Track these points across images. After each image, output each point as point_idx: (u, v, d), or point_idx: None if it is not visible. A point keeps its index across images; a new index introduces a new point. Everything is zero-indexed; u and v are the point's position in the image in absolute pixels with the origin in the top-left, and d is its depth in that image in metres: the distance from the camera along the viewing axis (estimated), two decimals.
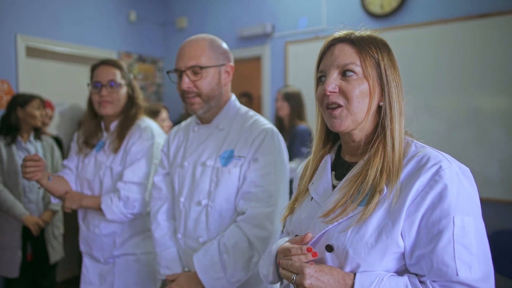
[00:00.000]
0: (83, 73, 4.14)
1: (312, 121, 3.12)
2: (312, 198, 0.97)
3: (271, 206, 1.33)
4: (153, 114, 2.97)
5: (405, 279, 0.80)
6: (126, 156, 1.74)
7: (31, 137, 2.79)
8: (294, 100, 3.18)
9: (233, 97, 1.50)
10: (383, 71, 0.89)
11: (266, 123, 1.42)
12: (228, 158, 1.37)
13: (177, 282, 1.40)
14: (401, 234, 0.80)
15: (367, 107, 0.88)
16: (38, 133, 2.83)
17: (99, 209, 1.71)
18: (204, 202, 1.39)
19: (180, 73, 1.38)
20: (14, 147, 2.68)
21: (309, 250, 0.86)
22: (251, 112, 1.48)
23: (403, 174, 0.84)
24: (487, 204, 2.89)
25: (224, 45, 1.44)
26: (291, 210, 1.03)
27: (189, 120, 1.59)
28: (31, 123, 2.72)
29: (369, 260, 0.81)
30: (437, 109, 3.15)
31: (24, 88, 3.50)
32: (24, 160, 1.62)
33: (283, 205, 1.20)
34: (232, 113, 1.45)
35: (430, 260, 0.78)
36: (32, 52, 3.63)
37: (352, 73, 0.88)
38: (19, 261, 2.68)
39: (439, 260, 0.77)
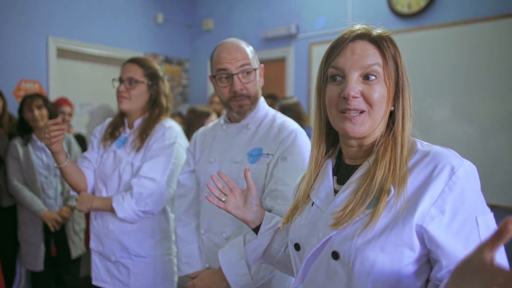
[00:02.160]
0: (111, 73, 4.24)
1: None
2: (313, 203, 0.92)
3: None
4: (204, 116, 2.96)
5: None
6: (147, 152, 1.76)
7: None
8: (291, 111, 3.07)
9: (262, 99, 1.53)
10: (400, 74, 0.85)
11: (294, 124, 1.45)
12: (256, 156, 1.40)
13: (200, 278, 1.41)
14: (419, 237, 0.76)
15: (384, 112, 0.84)
16: None
17: (110, 210, 1.72)
18: None
19: (228, 75, 1.40)
20: (30, 146, 2.77)
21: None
22: (279, 114, 1.52)
23: (413, 174, 0.79)
24: None
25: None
26: (289, 219, 0.97)
27: (216, 121, 1.62)
28: (30, 124, 2.77)
29: (378, 267, 0.76)
30: (470, 113, 3.02)
31: (55, 88, 3.63)
32: (46, 125, 1.54)
33: None
34: (261, 114, 1.48)
35: None
36: (63, 53, 3.76)
37: (374, 77, 0.83)
38: (42, 255, 2.77)
39: None
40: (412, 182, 0.78)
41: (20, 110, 2.79)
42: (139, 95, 1.80)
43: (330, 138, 0.97)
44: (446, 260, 0.74)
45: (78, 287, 3.08)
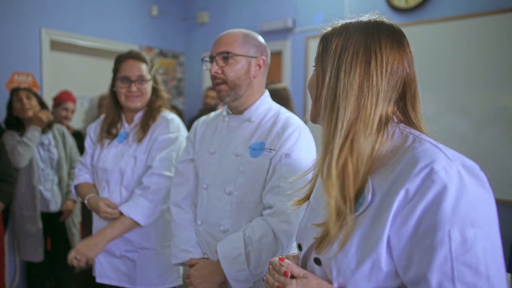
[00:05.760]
0: (105, 66, 4.19)
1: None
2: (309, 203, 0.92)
3: None
4: None
5: None
6: (152, 145, 1.75)
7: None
8: (276, 96, 3.13)
9: (267, 93, 1.52)
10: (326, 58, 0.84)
11: (299, 120, 1.43)
12: (258, 150, 1.38)
13: (197, 268, 1.38)
14: (390, 248, 0.70)
15: (314, 96, 0.85)
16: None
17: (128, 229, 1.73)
18: (228, 190, 1.40)
19: (211, 59, 1.43)
20: None
21: (285, 274, 0.78)
22: (283, 109, 1.50)
23: (393, 176, 0.71)
24: None
25: (260, 40, 1.47)
26: (301, 202, 0.98)
27: (219, 111, 1.61)
28: (21, 116, 2.79)
29: (356, 278, 0.73)
30: (465, 107, 3.02)
31: (48, 81, 3.58)
32: None
33: None
34: (265, 108, 1.47)
35: (427, 282, 0.65)
36: (56, 45, 3.70)
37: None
38: (42, 245, 2.81)
39: (437, 282, 0.64)
40: (388, 181, 0.72)
41: (10, 105, 2.82)
42: (148, 91, 1.81)
43: None
44: (404, 270, 0.70)
45: (74, 283, 3.07)
